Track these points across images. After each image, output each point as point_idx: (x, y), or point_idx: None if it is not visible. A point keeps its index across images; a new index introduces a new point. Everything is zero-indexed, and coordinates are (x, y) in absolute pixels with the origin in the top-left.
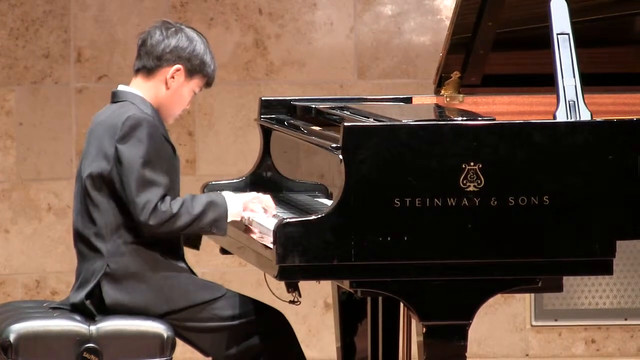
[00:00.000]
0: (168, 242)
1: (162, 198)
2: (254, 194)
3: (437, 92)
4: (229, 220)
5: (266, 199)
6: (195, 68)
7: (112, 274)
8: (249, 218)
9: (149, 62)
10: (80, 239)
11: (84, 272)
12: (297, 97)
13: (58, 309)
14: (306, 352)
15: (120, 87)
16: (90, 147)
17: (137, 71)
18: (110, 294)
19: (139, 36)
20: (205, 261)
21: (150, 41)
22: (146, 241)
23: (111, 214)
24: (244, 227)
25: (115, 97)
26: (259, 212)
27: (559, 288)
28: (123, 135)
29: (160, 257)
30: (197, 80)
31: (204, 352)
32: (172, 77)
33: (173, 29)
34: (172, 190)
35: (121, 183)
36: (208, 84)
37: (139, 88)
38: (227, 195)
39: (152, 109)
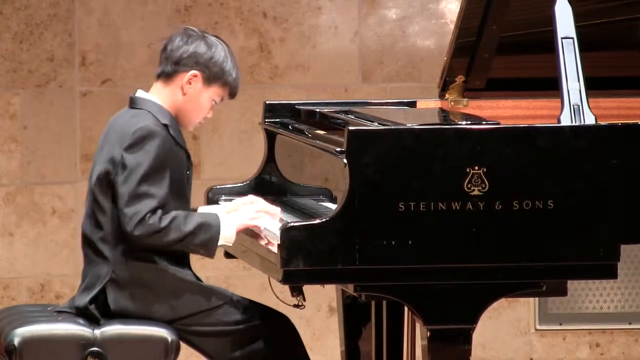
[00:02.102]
0: (173, 249)
1: (154, 211)
2: (248, 213)
3: (441, 96)
4: (219, 244)
5: (263, 207)
6: (213, 75)
7: (118, 281)
8: (262, 228)
9: (167, 67)
10: (87, 242)
11: (90, 276)
12: (301, 101)
13: (62, 313)
14: (310, 355)
15: (139, 93)
16: (102, 151)
17: (158, 76)
18: (116, 300)
19: (161, 42)
20: (209, 265)
21: (171, 46)
22: (151, 248)
23: (116, 221)
24: (253, 234)
25: (132, 103)
26: (265, 220)
27: (563, 292)
28: (131, 144)
29: (165, 264)
30: (216, 88)
31: (209, 356)
32: (189, 83)
33: (194, 36)
34: (172, 201)
35: (117, 189)
36: (231, 94)
37: (157, 94)
38: (223, 217)
39: (169, 117)
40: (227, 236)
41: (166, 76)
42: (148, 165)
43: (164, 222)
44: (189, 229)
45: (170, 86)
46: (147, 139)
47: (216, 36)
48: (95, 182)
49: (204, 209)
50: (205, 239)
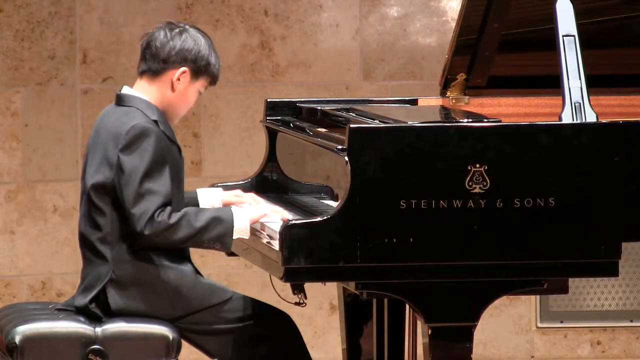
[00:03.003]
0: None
1: (162, 207)
2: (264, 209)
3: (442, 93)
4: (234, 237)
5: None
6: (200, 69)
7: (118, 281)
8: (261, 224)
9: (155, 65)
10: (84, 242)
11: (89, 276)
12: (302, 99)
13: (64, 311)
14: (312, 353)
15: (125, 90)
16: (94, 153)
17: (142, 73)
18: (116, 300)
19: (142, 38)
20: (211, 263)
21: (155, 43)
22: (151, 248)
23: (116, 221)
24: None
25: (120, 101)
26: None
27: (564, 290)
28: (126, 145)
29: (165, 263)
30: (203, 80)
31: (210, 354)
32: (178, 80)
33: (177, 30)
34: (175, 195)
35: (121, 193)
36: (213, 83)
37: (144, 91)
38: (235, 210)
39: (158, 112)
40: (242, 229)
41: (153, 73)
42: (147, 164)
43: (174, 219)
44: (200, 224)
45: (157, 83)
46: (141, 138)
47: (195, 27)
48: (91, 185)
49: (203, 191)
50: (219, 232)
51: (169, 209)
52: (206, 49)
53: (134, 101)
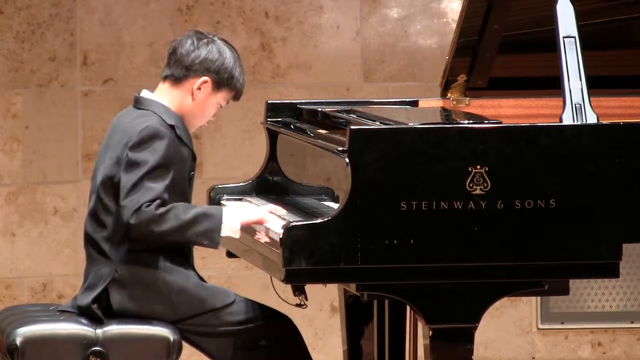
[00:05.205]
0: (177, 249)
1: (152, 201)
2: (257, 214)
3: (443, 95)
4: (223, 234)
5: (271, 212)
6: (223, 81)
7: (120, 281)
8: (267, 229)
9: (177, 71)
10: (89, 241)
11: (92, 275)
12: (303, 100)
13: (64, 312)
14: (313, 355)
15: (144, 93)
16: (107, 152)
17: (165, 78)
18: (118, 300)
19: (170, 43)
20: (212, 264)
21: (181, 50)
22: (155, 248)
23: (120, 219)
24: (254, 232)
25: (138, 103)
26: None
27: (565, 291)
28: (136, 144)
29: (168, 265)
30: (224, 93)
31: (211, 356)
32: (199, 89)
33: (205, 40)
34: (177, 199)
35: (120, 184)
36: (236, 97)
37: (164, 96)
38: (227, 209)
39: (176, 118)
40: (231, 227)
41: (175, 79)
42: (153, 163)
43: (161, 210)
44: (187, 217)
45: (178, 90)
46: (153, 138)
47: (223, 40)
48: (100, 182)
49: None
50: (207, 227)
51: (158, 201)
52: (231, 62)
53: (152, 105)
